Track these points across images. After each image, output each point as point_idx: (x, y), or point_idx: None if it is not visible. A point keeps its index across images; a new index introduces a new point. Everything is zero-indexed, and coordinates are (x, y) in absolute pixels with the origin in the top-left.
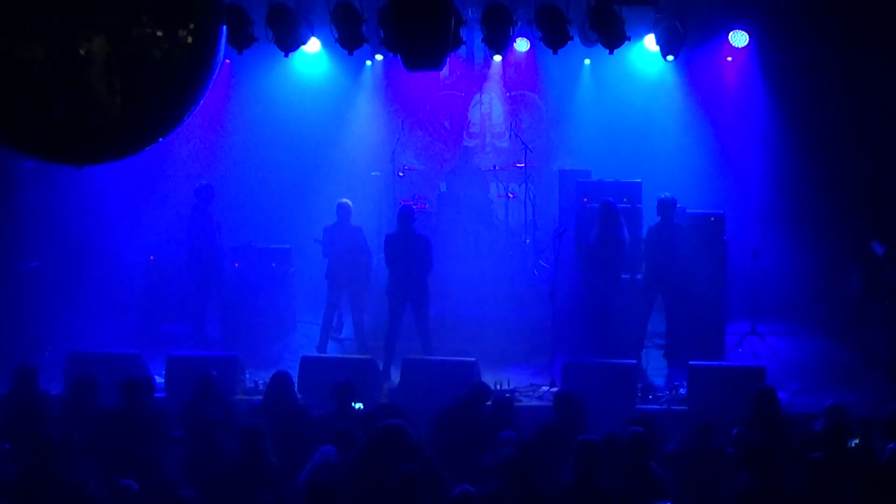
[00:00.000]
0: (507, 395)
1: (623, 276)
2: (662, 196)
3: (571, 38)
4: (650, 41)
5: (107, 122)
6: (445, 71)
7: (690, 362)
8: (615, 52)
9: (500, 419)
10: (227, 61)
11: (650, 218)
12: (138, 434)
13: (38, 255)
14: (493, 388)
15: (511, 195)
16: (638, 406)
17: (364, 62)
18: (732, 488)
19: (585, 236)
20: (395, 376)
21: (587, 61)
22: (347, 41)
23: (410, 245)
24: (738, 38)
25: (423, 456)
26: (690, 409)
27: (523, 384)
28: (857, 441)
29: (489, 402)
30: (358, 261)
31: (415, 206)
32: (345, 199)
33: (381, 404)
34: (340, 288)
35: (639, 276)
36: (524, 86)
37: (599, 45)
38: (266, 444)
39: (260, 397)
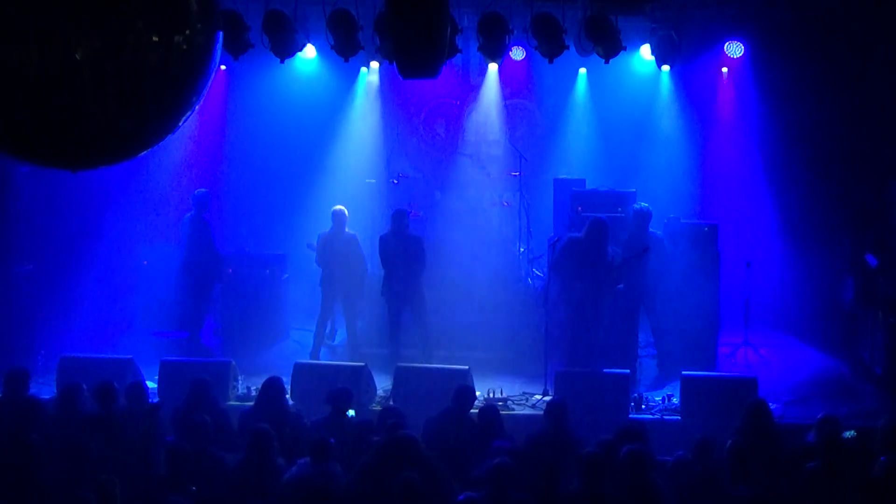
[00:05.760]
0: (499, 402)
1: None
2: (638, 207)
3: (567, 48)
4: (646, 51)
5: (101, 126)
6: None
7: (683, 372)
8: (611, 61)
9: (487, 427)
10: (223, 67)
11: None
12: (127, 439)
13: (32, 259)
14: (486, 396)
15: (505, 203)
16: (631, 416)
17: (359, 69)
18: (728, 499)
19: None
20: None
21: (583, 70)
22: (343, 48)
23: (404, 245)
24: (734, 49)
25: (432, 466)
26: (683, 419)
27: (516, 393)
28: (852, 433)
29: (476, 411)
30: (352, 268)
31: (416, 214)
32: (340, 206)
33: (385, 408)
34: (334, 295)
35: (620, 286)
36: (520, 94)
37: (595, 55)
38: (273, 448)
39: (252, 403)
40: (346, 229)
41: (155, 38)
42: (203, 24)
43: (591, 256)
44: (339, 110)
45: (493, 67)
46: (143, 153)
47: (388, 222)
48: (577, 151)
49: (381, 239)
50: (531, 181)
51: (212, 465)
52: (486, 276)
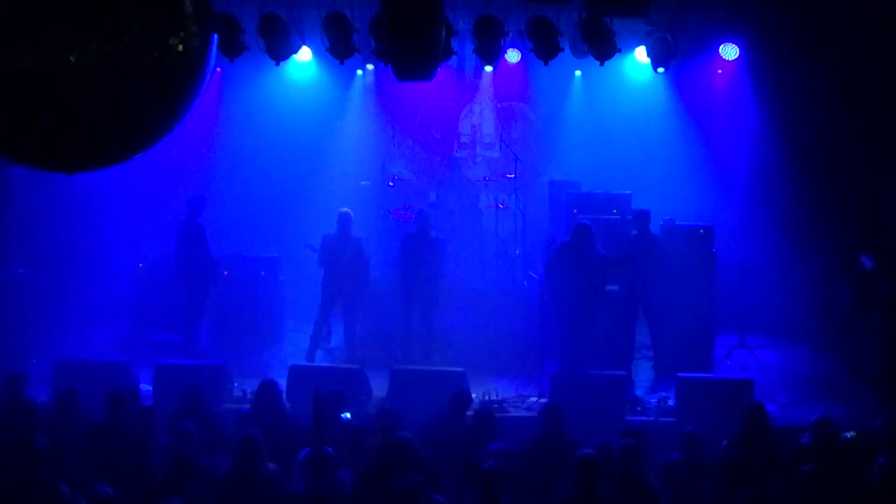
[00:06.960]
0: (495, 405)
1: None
2: (638, 208)
3: (562, 50)
4: (641, 53)
5: (97, 129)
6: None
7: (679, 374)
8: (606, 64)
9: (483, 430)
10: (218, 70)
11: None
12: (125, 443)
13: (25, 261)
14: (481, 398)
15: (501, 206)
16: (627, 418)
17: (355, 71)
18: (723, 501)
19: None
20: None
21: (578, 73)
22: (338, 50)
23: (426, 246)
24: (729, 51)
25: (429, 468)
26: (678, 420)
27: (511, 395)
28: (852, 433)
29: (471, 413)
30: (356, 272)
31: (404, 215)
32: (346, 209)
33: (381, 410)
34: (334, 297)
35: (616, 287)
36: (515, 97)
37: (590, 57)
38: (262, 453)
39: (248, 406)
40: (352, 232)
41: (150, 41)
42: (198, 26)
43: (577, 259)
44: (335, 113)
45: (488, 70)
46: (138, 156)
47: (384, 230)
48: (573, 153)
49: (403, 239)
50: (526, 183)
51: (203, 470)
52: (481, 278)
